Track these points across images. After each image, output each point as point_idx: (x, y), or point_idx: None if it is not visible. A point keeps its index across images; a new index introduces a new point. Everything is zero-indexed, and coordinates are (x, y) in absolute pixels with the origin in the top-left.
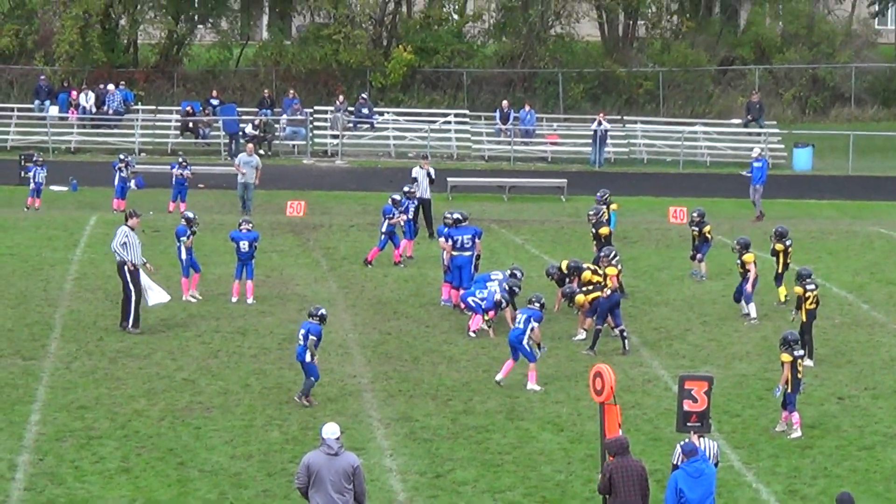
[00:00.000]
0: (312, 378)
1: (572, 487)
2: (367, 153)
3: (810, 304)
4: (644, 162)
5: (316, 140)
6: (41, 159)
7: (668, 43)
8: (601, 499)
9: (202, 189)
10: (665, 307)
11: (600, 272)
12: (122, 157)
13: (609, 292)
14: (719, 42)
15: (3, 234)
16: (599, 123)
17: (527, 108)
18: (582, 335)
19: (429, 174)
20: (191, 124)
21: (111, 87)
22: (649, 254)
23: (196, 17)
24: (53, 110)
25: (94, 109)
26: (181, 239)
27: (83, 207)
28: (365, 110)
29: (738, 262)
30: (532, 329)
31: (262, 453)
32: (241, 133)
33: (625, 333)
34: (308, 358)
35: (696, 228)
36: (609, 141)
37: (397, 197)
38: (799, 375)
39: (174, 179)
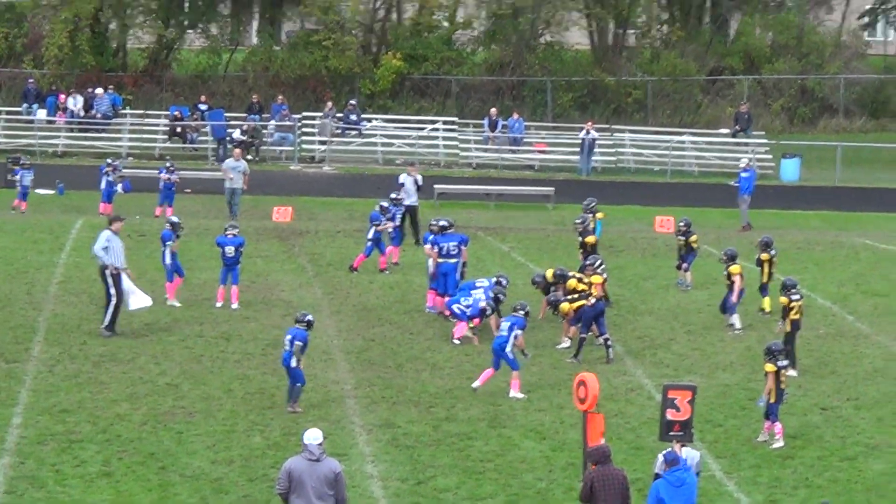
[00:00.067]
0: (299, 384)
1: (554, 496)
2: (355, 160)
3: (795, 314)
4: (631, 171)
5: (304, 146)
6: (28, 162)
7: (657, 52)
8: None
9: (189, 194)
10: (650, 316)
11: (586, 281)
12: (109, 161)
13: (594, 301)
14: (709, 52)
15: None
16: (587, 132)
17: (515, 116)
18: (566, 343)
19: (416, 181)
20: (179, 129)
21: (99, 90)
22: (635, 263)
23: (186, 22)
24: (41, 113)
25: (82, 113)
26: (167, 243)
27: (69, 211)
28: (353, 117)
29: (725, 272)
30: (516, 337)
31: (244, 458)
32: (228, 138)
33: (609, 342)
34: (293, 363)
35: (683, 238)
36: (597, 150)
37: (385, 204)
38: (782, 386)
39: (162, 184)
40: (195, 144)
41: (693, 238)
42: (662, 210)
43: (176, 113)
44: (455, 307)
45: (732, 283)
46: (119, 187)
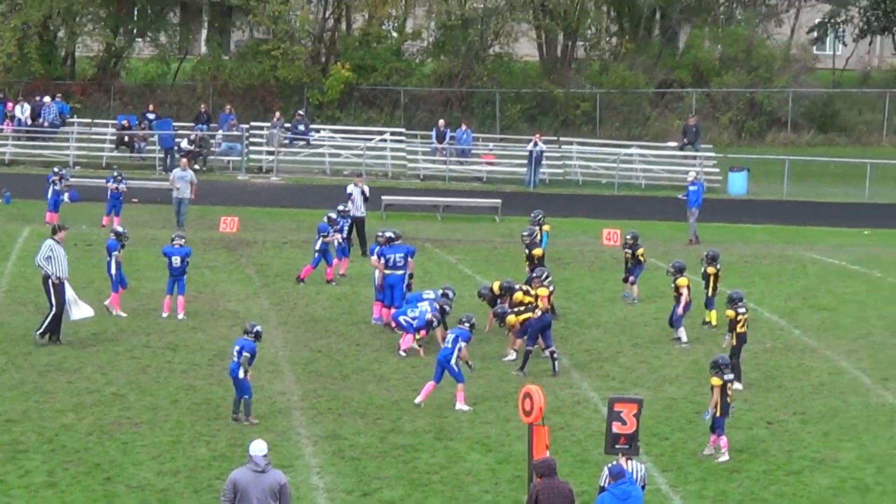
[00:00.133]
0: (246, 396)
1: None
2: (303, 170)
3: (741, 327)
4: (579, 183)
5: (251, 156)
6: None
7: (606, 64)
8: None
9: (136, 203)
10: (596, 329)
11: (532, 293)
12: (56, 169)
13: (540, 313)
14: (657, 64)
15: None
16: (535, 144)
17: (463, 127)
18: (512, 356)
19: (363, 192)
20: (126, 138)
21: (47, 99)
22: (582, 275)
23: (135, 31)
24: None
25: (29, 121)
26: (112, 253)
27: (16, 220)
28: (301, 127)
29: (673, 285)
30: (460, 349)
31: (190, 469)
32: (176, 148)
33: (555, 355)
34: (241, 374)
35: (630, 251)
36: (544, 162)
37: (333, 215)
38: (728, 399)
39: (109, 193)
40: (143, 154)
41: (640, 251)
42: (610, 223)
43: (124, 122)
44: (401, 319)
45: (680, 295)
46: (66, 196)
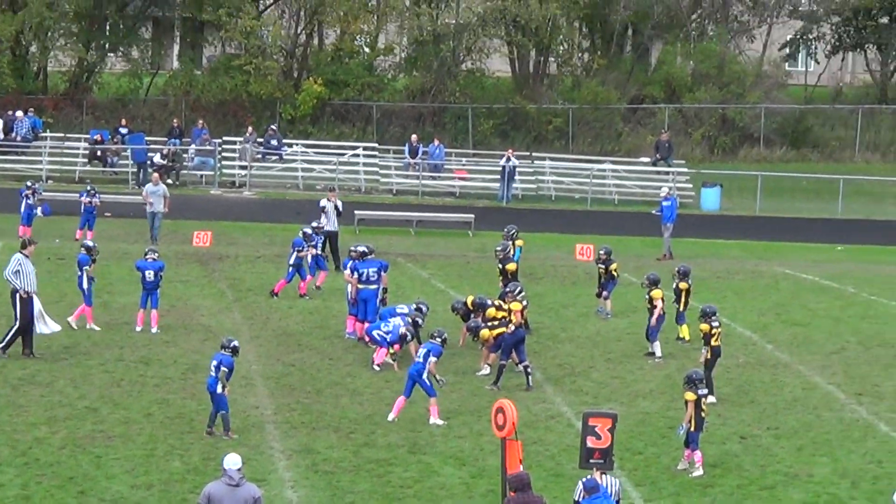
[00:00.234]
0: (223, 411)
1: None
2: (275, 185)
3: (716, 340)
4: (552, 199)
5: (224, 171)
6: None
7: (578, 80)
8: None
9: (108, 217)
10: (570, 344)
11: (505, 308)
12: (29, 184)
13: (514, 328)
14: (630, 80)
15: None
16: (508, 159)
17: (436, 142)
18: (486, 370)
19: (336, 207)
20: (99, 152)
21: (20, 113)
22: (555, 290)
23: (107, 45)
24: None
25: (1, 136)
26: (84, 268)
27: None
28: (274, 142)
29: (647, 297)
30: (430, 363)
31: (163, 483)
32: (149, 162)
33: (529, 369)
34: (219, 389)
35: (603, 266)
36: (517, 177)
37: (308, 231)
38: (703, 414)
39: (83, 207)
40: (115, 168)
41: (613, 266)
42: (583, 238)
43: (96, 137)
44: (375, 333)
45: (654, 307)
46: (39, 210)
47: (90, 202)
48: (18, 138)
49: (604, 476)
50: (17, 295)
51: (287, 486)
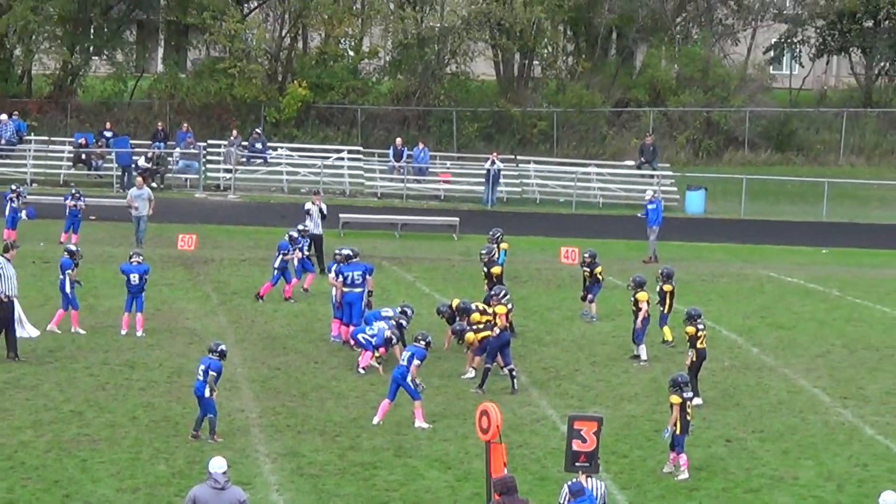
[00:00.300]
0: (210, 415)
1: None
2: (260, 188)
3: (701, 343)
4: (537, 202)
5: (209, 174)
6: None
7: (563, 83)
8: None
9: (93, 221)
10: (555, 347)
11: (488, 312)
12: (13, 187)
13: (499, 331)
14: (614, 84)
15: None
16: (493, 163)
17: (420, 145)
18: (471, 373)
19: (321, 210)
20: (84, 156)
21: (4, 116)
22: (540, 293)
23: (91, 49)
24: None
25: None
26: (66, 272)
27: None
28: (258, 145)
29: (632, 299)
30: (413, 366)
31: (149, 486)
32: (134, 165)
33: (514, 372)
34: (207, 393)
35: (588, 269)
36: (502, 180)
37: (294, 234)
38: (688, 417)
39: (67, 211)
40: (100, 171)
41: (598, 269)
42: (567, 241)
43: (81, 140)
44: (360, 337)
45: (639, 309)
46: (24, 214)
47: (75, 205)
48: (3, 142)
49: (589, 479)
50: None
51: (272, 489)
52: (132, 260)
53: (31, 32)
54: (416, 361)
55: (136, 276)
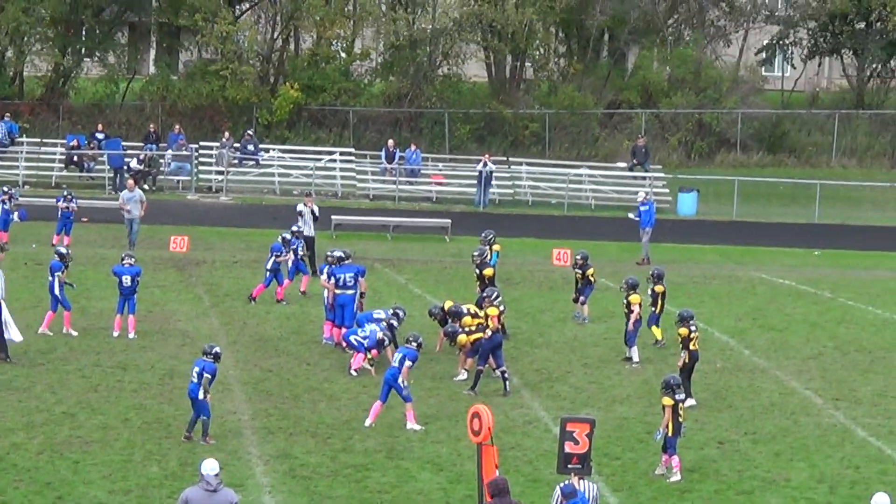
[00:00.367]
0: (204, 417)
1: None
2: (252, 190)
3: (694, 345)
4: (529, 204)
5: (201, 176)
6: None
7: (555, 85)
8: None
9: (85, 223)
10: (547, 349)
11: (480, 314)
12: (5, 189)
13: (491, 333)
14: (606, 85)
15: None
16: (485, 164)
17: (412, 147)
18: (463, 375)
19: (313, 211)
20: (76, 158)
21: None
22: (532, 295)
23: (83, 51)
24: None
25: None
26: (55, 273)
27: None
28: (250, 147)
29: (625, 301)
30: (404, 367)
31: (141, 488)
32: (125, 167)
33: (506, 374)
34: (201, 395)
35: (580, 271)
36: (494, 182)
37: (287, 236)
38: (680, 419)
39: (60, 213)
40: (92, 173)
41: (590, 271)
42: (560, 243)
43: (73, 142)
44: (352, 339)
45: (631, 311)
46: (15, 215)
47: (67, 207)
48: None
49: (581, 481)
50: None
51: (265, 491)
52: (124, 262)
53: (23, 34)
54: (407, 363)
55: (128, 277)
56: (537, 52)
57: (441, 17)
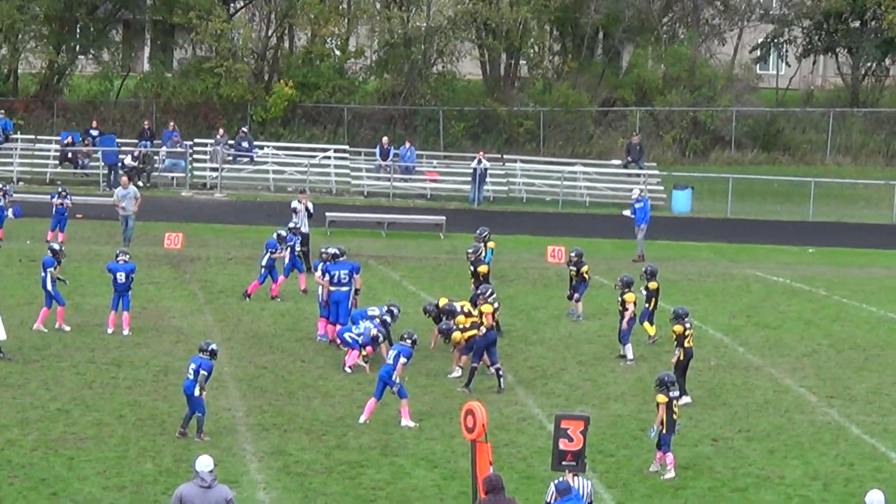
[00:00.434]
0: (199, 414)
1: None
2: (246, 187)
3: (689, 342)
4: (523, 201)
5: (195, 172)
6: None
7: (549, 83)
8: None
9: (80, 219)
10: (541, 346)
11: (474, 312)
12: (0, 185)
13: (485, 330)
14: (601, 83)
15: None
16: (479, 161)
17: (407, 144)
18: (457, 372)
19: (307, 208)
20: (70, 154)
21: None
22: (526, 292)
23: (77, 48)
24: None
25: None
26: (48, 269)
27: None
28: (245, 144)
29: (619, 299)
30: (399, 364)
31: (135, 485)
32: (120, 164)
33: (500, 372)
34: (197, 392)
35: (574, 268)
36: (488, 179)
37: (283, 233)
38: (675, 416)
39: (54, 209)
40: (86, 170)
41: (584, 268)
42: (554, 240)
43: (67, 139)
44: (347, 336)
45: (625, 309)
46: (10, 212)
47: (61, 204)
48: None
49: (576, 478)
50: None
51: (259, 487)
52: (118, 258)
53: (18, 31)
54: (402, 360)
55: (123, 274)
56: (532, 50)
57: (435, 15)
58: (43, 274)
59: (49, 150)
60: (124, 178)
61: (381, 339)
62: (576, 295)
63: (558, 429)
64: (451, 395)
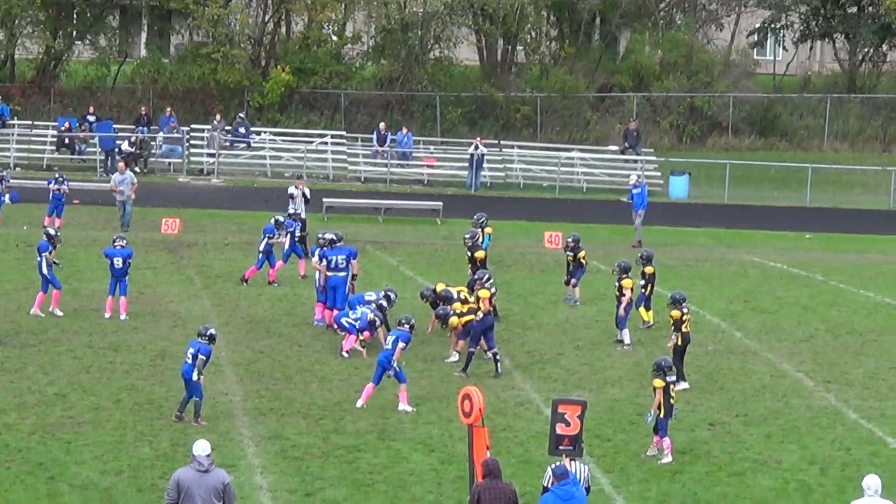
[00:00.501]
0: (197, 398)
1: None
2: (243, 172)
3: (686, 327)
4: (520, 186)
5: (192, 158)
6: None
7: (546, 69)
8: None
9: (77, 205)
10: (538, 331)
11: (471, 299)
12: None
13: (482, 315)
14: (598, 69)
15: None
16: (476, 147)
17: (404, 130)
18: (454, 357)
19: (304, 194)
20: (67, 140)
21: None
22: (523, 278)
23: (74, 33)
24: None
25: None
26: (42, 254)
27: None
28: (242, 129)
29: (617, 284)
30: (397, 349)
31: (133, 469)
32: (117, 150)
33: (497, 356)
34: (195, 377)
35: (571, 254)
36: (486, 165)
37: (281, 218)
38: (672, 401)
39: (51, 195)
40: (83, 156)
41: (581, 254)
42: (551, 226)
43: (64, 124)
44: (344, 321)
45: (622, 295)
46: (7, 198)
47: (58, 189)
48: None
49: (573, 462)
50: None
51: (256, 471)
52: (115, 244)
53: (14, 17)
54: (400, 344)
55: (120, 259)
56: (529, 36)
57: (432, 1)
58: (38, 258)
59: (46, 136)
60: (121, 164)
61: (377, 323)
62: (573, 280)
63: (555, 413)
64: (449, 379)
